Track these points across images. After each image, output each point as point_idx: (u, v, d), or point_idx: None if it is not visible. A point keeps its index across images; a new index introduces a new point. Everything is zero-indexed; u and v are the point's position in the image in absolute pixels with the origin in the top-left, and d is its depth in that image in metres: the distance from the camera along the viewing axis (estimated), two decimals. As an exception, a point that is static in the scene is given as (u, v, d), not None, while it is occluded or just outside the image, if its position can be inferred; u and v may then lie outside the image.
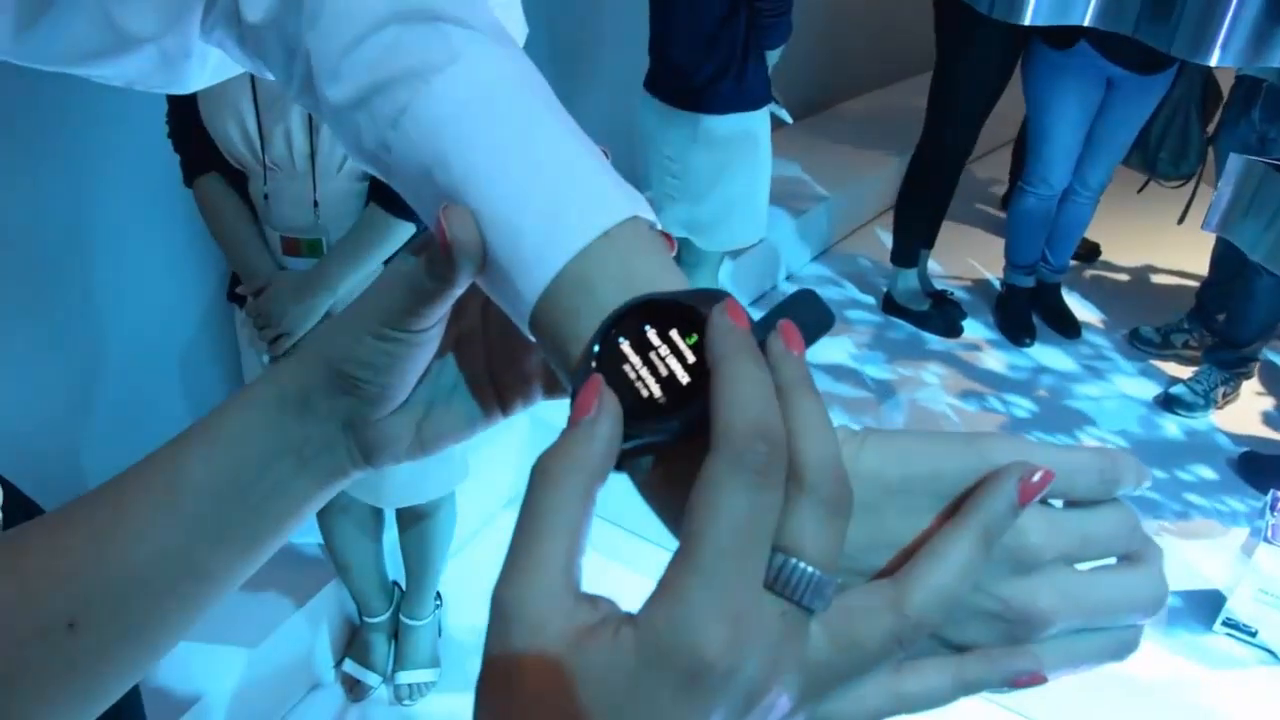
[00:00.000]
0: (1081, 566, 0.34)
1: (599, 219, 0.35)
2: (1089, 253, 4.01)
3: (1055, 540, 0.33)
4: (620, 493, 0.37)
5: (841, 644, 0.30)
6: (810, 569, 0.28)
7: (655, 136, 2.53)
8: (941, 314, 3.43)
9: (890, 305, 3.49)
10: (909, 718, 0.33)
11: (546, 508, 0.29)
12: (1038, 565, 0.33)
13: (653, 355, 0.32)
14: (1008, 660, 0.33)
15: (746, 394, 0.29)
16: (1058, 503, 0.34)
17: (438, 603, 2.13)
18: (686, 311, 0.32)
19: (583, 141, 0.38)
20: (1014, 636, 0.33)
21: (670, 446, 0.33)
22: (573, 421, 0.31)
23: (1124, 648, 0.35)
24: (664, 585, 0.28)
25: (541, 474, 0.30)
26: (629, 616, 0.28)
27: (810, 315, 0.33)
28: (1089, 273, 3.90)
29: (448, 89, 0.38)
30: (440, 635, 2.14)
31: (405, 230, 1.55)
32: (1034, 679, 0.33)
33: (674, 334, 0.32)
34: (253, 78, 1.47)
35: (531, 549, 0.29)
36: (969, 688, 0.33)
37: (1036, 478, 0.32)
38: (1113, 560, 0.35)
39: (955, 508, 0.32)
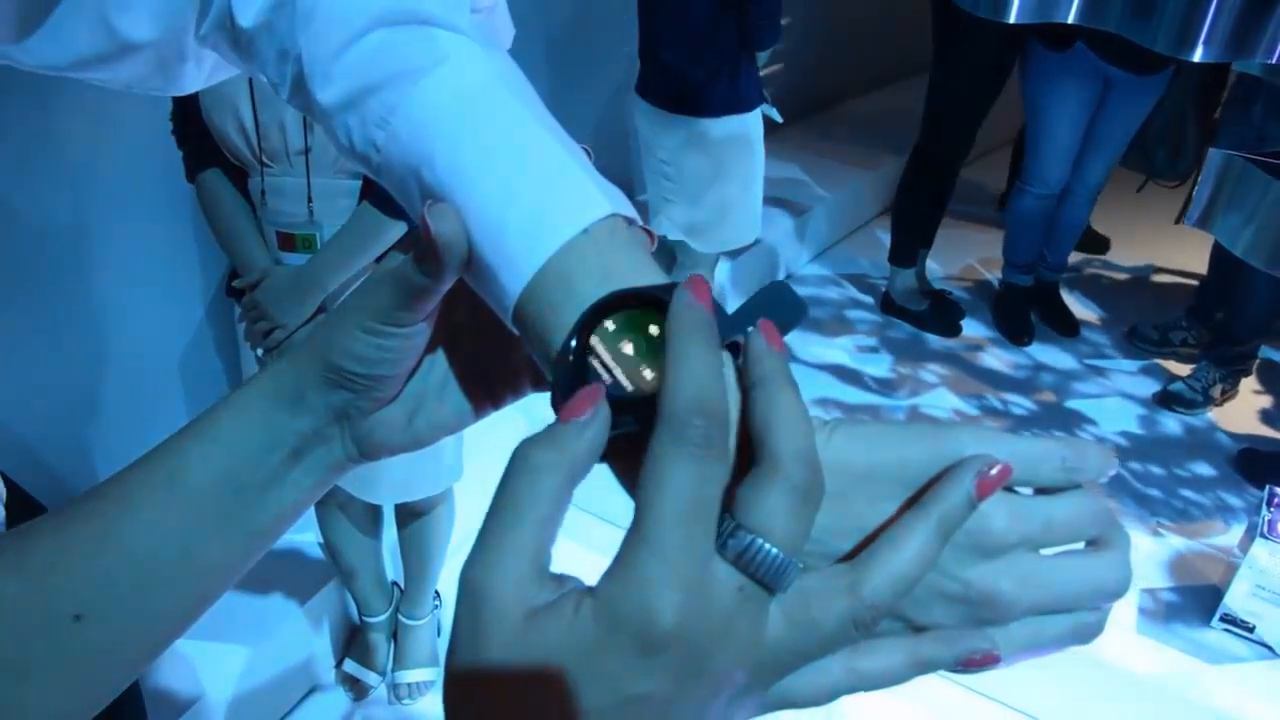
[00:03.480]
0: (1048, 552, 0.35)
1: (580, 216, 0.36)
2: (1098, 245, 4.02)
3: (1018, 526, 0.34)
4: (597, 482, 0.38)
5: (798, 624, 0.31)
6: (776, 551, 0.30)
7: (649, 141, 2.53)
8: (940, 314, 3.43)
9: (889, 305, 3.50)
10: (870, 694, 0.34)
11: (524, 497, 0.31)
12: (1002, 550, 0.34)
13: (625, 346, 0.33)
14: (962, 640, 0.34)
15: (689, 371, 0.30)
16: (1027, 490, 0.35)
17: (437, 602, 2.14)
18: (660, 305, 0.33)
19: (565, 141, 0.39)
20: (978, 619, 0.34)
21: (645, 434, 0.34)
22: (563, 419, 0.32)
23: (1088, 631, 0.35)
24: (618, 558, 0.29)
25: (523, 461, 0.31)
26: (589, 589, 0.30)
27: (784, 306, 0.34)
28: (1088, 271, 3.91)
29: (435, 91, 0.39)
30: (440, 635, 2.15)
31: (397, 229, 1.57)
32: (987, 658, 0.34)
33: (648, 326, 0.33)
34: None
35: (504, 535, 0.30)
36: (924, 666, 0.34)
37: (994, 471, 0.33)
38: (1081, 545, 0.36)
39: (919, 497, 0.34)
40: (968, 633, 0.34)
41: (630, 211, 0.38)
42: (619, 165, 3.27)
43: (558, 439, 0.31)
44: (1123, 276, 3.93)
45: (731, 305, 0.34)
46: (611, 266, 0.36)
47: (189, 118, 1.58)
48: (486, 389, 0.46)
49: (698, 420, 0.29)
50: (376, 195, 1.55)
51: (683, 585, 0.28)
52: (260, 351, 1.66)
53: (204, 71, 0.52)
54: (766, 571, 0.29)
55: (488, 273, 0.37)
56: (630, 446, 0.34)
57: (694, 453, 0.29)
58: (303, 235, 1.60)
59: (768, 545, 0.29)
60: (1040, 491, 0.35)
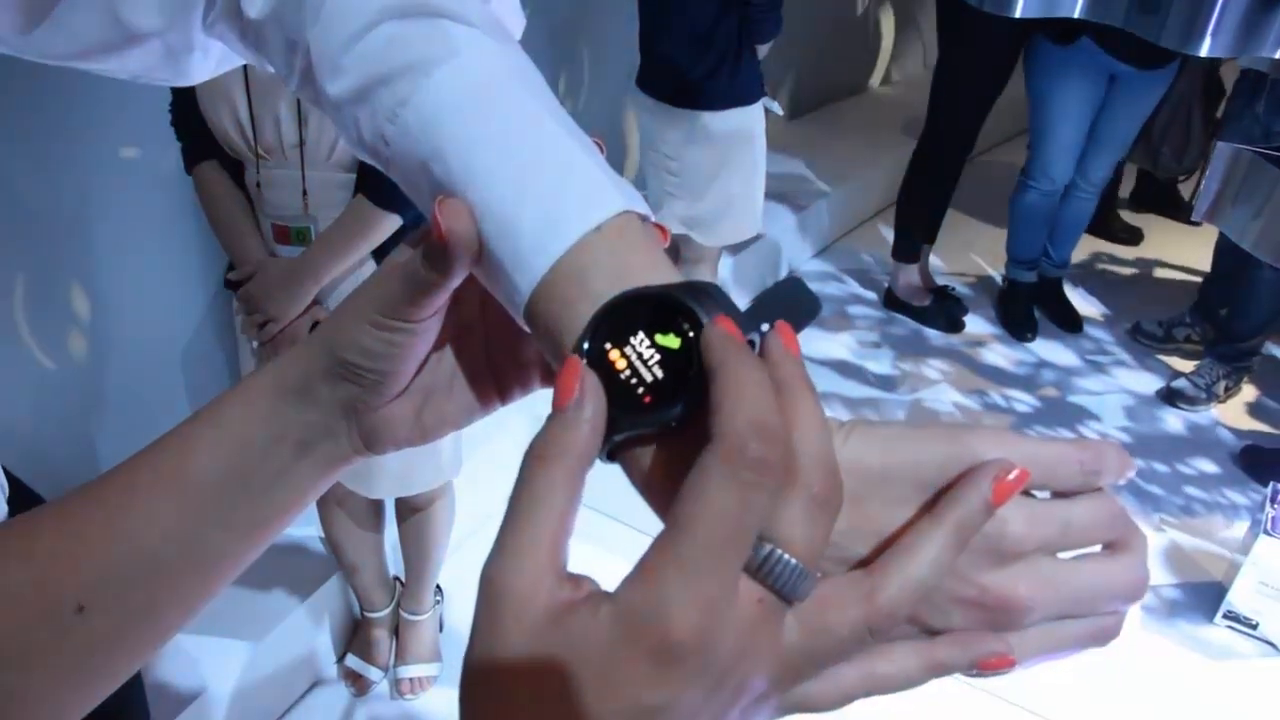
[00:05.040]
0: (1065, 555, 0.35)
1: (593, 213, 0.36)
2: (1130, 237, 4.05)
3: (1036, 530, 0.34)
4: (609, 481, 0.37)
5: (813, 631, 0.31)
6: (794, 561, 0.29)
7: (651, 135, 2.53)
8: (943, 309, 3.43)
9: (892, 301, 3.49)
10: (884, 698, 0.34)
11: (536, 491, 0.30)
12: (1019, 555, 0.34)
13: (642, 348, 0.33)
14: (977, 643, 0.33)
15: (749, 394, 0.29)
16: (1043, 492, 0.35)
17: (438, 597, 2.14)
18: (676, 304, 0.33)
19: (577, 136, 0.38)
20: (994, 624, 0.34)
21: (661, 437, 0.33)
22: (557, 408, 0.31)
23: (1105, 634, 0.35)
24: (643, 565, 0.29)
25: (532, 459, 0.31)
26: (608, 594, 0.29)
27: (798, 303, 0.34)
28: (1091, 267, 3.90)
29: (445, 83, 0.38)
30: (441, 630, 2.15)
31: (391, 222, 1.57)
32: (1002, 661, 0.33)
33: (663, 327, 0.33)
34: (246, 67, 1.49)
35: (521, 530, 0.30)
36: (940, 670, 0.34)
37: (1012, 475, 0.32)
38: (1097, 548, 0.36)
39: (936, 501, 0.33)
40: (983, 636, 0.34)
41: (643, 207, 0.38)
42: (620, 159, 3.27)
43: (557, 429, 0.31)
44: (1126, 272, 3.92)
45: (736, 300, 0.34)
46: (626, 264, 0.35)
47: (186, 110, 1.58)
48: (495, 384, 0.45)
49: (757, 444, 0.28)
50: (371, 188, 1.55)
51: (705, 604, 0.28)
52: (255, 344, 1.66)
53: (211, 61, 0.52)
54: (786, 583, 0.29)
55: (499, 269, 0.37)
56: (645, 448, 0.34)
57: (748, 478, 0.28)
58: (297, 228, 1.60)
59: (787, 556, 0.29)
60: (1057, 494, 0.35)
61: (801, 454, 0.30)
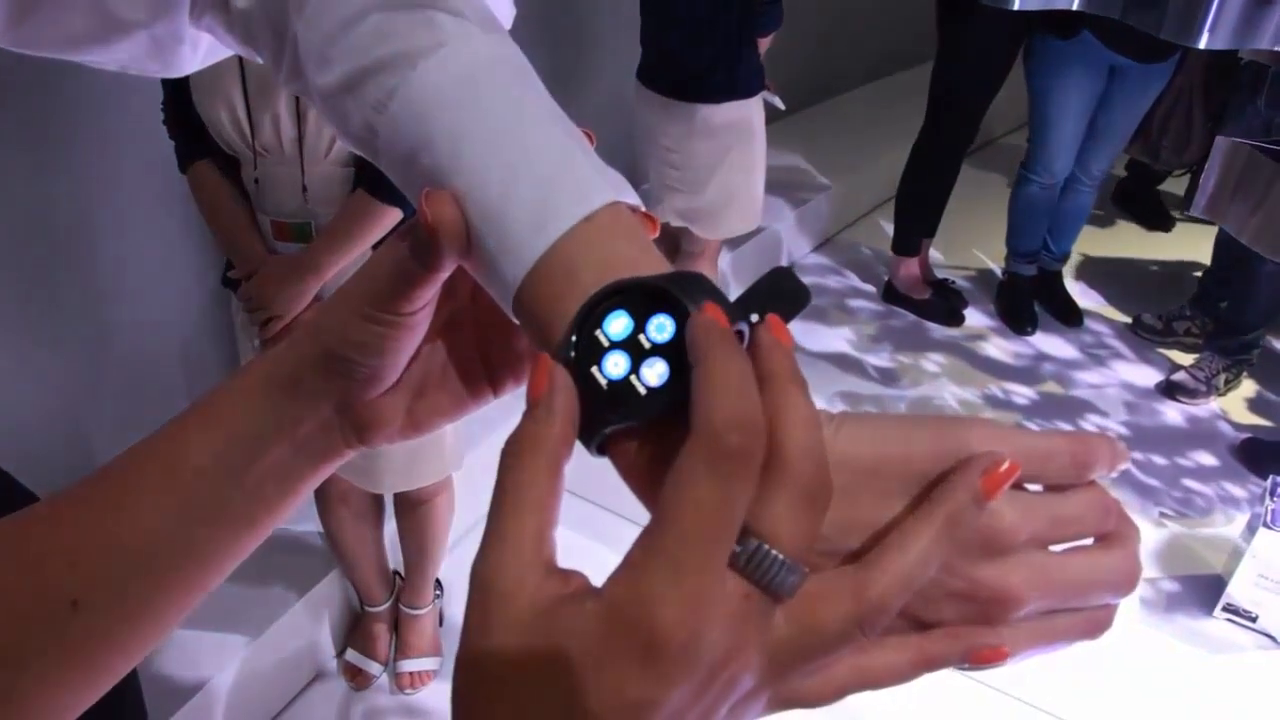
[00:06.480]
0: (1057, 548, 0.35)
1: (581, 204, 0.36)
2: (1163, 224, 4.08)
3: (1027, 523, 0.33)
4: (601, 473, 0.37)
5: (802, 627, 0.30)
6: (781, 556, 0.29)
7: (653, 128, 2.53)
8: (943, 303, 3.43)
9: (891, 294, 3.49)
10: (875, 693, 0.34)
11: (515, 485, 0.30)
12: (1010, 547, 0.33)
13: (630, 339, 0.32)
14: (969, 636, 0.33)
15: (727, 385, 0.29)
16: (1036, 485, 0.35)
17: (438, 592, 2.14)
18: (664, 295, 0.32)
19: (566, 126, 0.38)
20: (986, 617, 0.33)
21: (649, 430, 0.33)
22: (530, 402, 0.31)
23: (1096, 627, 0.35)
24: (628, 561, 0.28)
25: (509, 455, 0.31)
26: (595, 589, 0.29)
27: (787, 293, 0.34)
28: (1091, 260, 3.90)
29: (433, 73, 0.38)
30: (442, 624, 2.15)
31: (391, 215, 1.57)
32: (996, 654, 0.33)
33: (650, 318, 0.33)
34: (242, 64, 1.48)
35: (504, 525, 0.30)
36: (932, 664, 0.33)
37: (1002, 469, 0.32)
38: (1090, 541, 0.35)
39: (927, 494, 0.33)
40: (975, 629, 0.33)
41: (633, 198, 0.37)
42: (621, 151, 3.26)
43: (530, 423, 0.31)
44: (1126, 266, 3.92)
45: (732, 294, 0.34)
46: (615, 255, 0.35)
47: (181, 109, 1.57)
48: (487, 376, 0.45)
49: (736, 436, 0.28)
50: (371, 182, 1.55)
51: (692, 599, 0.27)
52: (258, 342, 1.66)
53: (199, 53, 0.51)
54: (773, 578, 0.29)
55: (488, 260, 0.37)
56: (634, 441, 0.34)
57: (728, 469, 0.28)
58: (297, 224, 1.60)
59: (774, 551, 0.29)
60: (1049, 487, 0.35)
61: (789, 447, 0.30)
